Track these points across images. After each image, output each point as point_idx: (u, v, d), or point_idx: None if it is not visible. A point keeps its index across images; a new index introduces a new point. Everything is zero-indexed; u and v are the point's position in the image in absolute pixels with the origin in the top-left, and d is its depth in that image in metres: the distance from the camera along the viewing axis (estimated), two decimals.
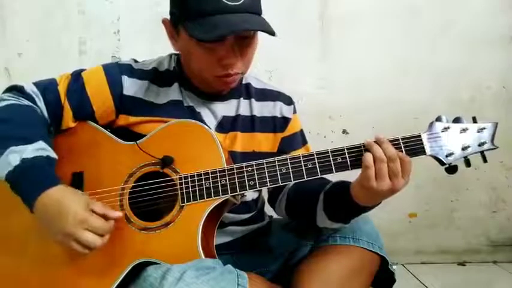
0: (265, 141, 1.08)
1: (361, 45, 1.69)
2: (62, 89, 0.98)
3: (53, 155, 0.89)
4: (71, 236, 0.80)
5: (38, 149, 0.86)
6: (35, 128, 0.91)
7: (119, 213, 0.86)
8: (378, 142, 0.84)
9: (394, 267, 1.04)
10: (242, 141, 1.05)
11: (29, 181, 0.83)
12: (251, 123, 1.07)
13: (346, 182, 0.92)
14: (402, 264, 1.74)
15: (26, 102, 0.94)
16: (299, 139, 1.13)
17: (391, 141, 0.85)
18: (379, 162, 0.82)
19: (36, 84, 0.98)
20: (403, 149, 0.85)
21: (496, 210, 1.80)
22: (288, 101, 1.13)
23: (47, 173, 0.86)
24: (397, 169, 0.82)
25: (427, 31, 1.71)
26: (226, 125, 1.05)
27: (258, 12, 0.93)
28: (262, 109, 1.09)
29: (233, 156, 1.00)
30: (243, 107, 1.07)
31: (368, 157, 0.83)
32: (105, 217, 0.83)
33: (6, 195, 0.96)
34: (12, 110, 0.92)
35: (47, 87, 0.97)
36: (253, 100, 1.09)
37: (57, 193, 0.83)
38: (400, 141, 0.86)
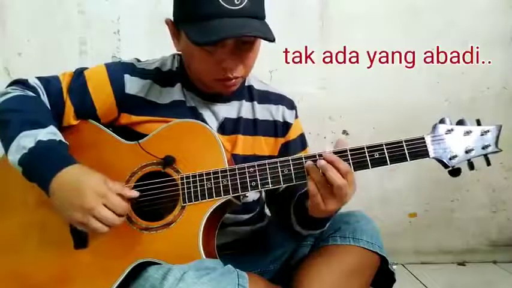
0: (266, 145, 1.08)
1: (362, 45, 1.68)
2: (64, 85, 0.98)
3: (64, 140, 0.90)
4: (91, 211, 0.80)
5: (51, 133, 0.88)
6: (45, 115, 0.92)
7: (135, 193, 0.87)
8: (322, 162, 0.83)
9: (394, 267, 1.04)
10: (243, 144, 1.05)
11: (46, 162, 0.84)
12: (253, 126, 1.07)
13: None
14: (402, 264, 1.75)
15: (31, 93, 0.95)
16: (299, 144, 1.13)
17: (392, 143, 0.85)
18: (322, 188, 0.83)
19: (39, 78, 0.99)
20: (406, 152, 0.85)
21: (495, 211, 1.81)
22: (291, 105, 1.13)
23: (62, 154, 0.87)
24: (343, 190, 0.82)
25: (427, 31, 1.71)
26: (228, 127, 1.04)
27: (260, 17, 0.91)
28: (264, 112, 1.09)
29: (234, 159, 0.99)
30: (245, 109, 1.07)
31: (311, 186, 0.84)
32: (121, 196, 0.84)
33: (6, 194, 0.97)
34: (19, 100, 0.93)
35: (50, 82, 0.98)
36: (255, 103, 1.08)
37: (75, 171, 0.84)
38: (404, 143, 0.85)
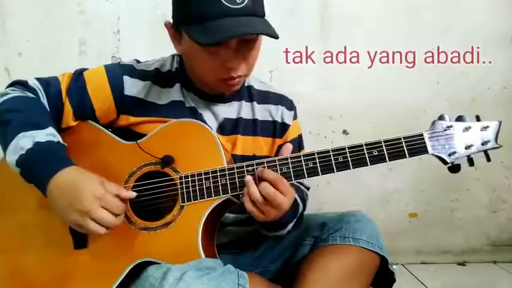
0: (265, 145, 1.08)
1: (361, 45, 1.68)
2: (63, 87, 0.98)
3: (63, 142, 0.90)
4: (88, 213, 0.80)
5: (49, 134, 0.88)
6: (43, 116, 0.92)
7: (132, 193, 0.87)
8: (258, 177, 0.86)
9: (394, 267, 1.04)
10: (243, 145, 1.05)
11: (43, 163, 0.84)
12: (253, 127, 1.07)
13: None
14: (402, 264, 1.74)
15: (31, 94, 0.95)
16: (296, 145, 1.12)
17: (390, 140, 0.85)
18: (259, 204, 0.84)
19: (38, 79, 0.99)
20: (404, 149, 0.85)
21: (496, 210, 1.80)
22: (290, 106, 1.13)
23: (60, 155, 0.87)
24: (276, 200, 0.83)
25: (427, 31, 1.70)
26: (228, 127, 1.05)
27: (261, 14, 0.92)
28: (264, 113, 1.09)
29: (234, 160, 1.00)
30: (245, 110, 1.07)
31: (247, 203, 0.86)
32: (118, 197, 0.84)
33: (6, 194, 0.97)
34: (18, 101, 0.93)
35: (49, 84, 0.98)
36: (255, 103, 1.08)
37: (72, 173, 0.84)
38: (402, 140, 0.86)
